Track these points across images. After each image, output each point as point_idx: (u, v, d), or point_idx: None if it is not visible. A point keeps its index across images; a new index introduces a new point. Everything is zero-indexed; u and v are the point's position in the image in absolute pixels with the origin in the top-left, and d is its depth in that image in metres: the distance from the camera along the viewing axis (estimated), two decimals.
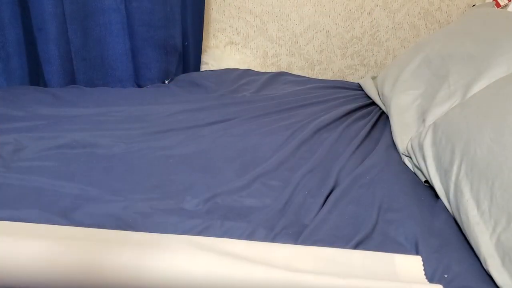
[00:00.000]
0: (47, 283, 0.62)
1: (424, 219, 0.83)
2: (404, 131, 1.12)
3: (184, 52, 1.60)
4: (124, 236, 0.71)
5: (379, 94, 1.38)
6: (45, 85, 1.42)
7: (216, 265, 0.63)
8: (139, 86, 1.53)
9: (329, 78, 1.82)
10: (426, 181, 0.95)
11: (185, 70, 1.64)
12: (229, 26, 1.73)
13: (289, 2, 1.70)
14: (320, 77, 1.83)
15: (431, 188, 0.93)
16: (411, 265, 0.70)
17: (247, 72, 1.57)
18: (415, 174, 0.99)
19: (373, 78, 1.52)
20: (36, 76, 1.45)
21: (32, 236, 0.66)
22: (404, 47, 1.81)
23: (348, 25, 1.75)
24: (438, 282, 0.68)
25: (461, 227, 0.79)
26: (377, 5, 1.72)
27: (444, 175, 0.87)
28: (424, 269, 0.70)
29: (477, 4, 1.70)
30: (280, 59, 1.79)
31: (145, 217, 0.80)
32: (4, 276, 0.61)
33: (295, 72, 1.80)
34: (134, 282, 0.62)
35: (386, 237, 0.78)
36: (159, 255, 0.64)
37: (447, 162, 0.87)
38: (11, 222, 0.73)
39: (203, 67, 1.72)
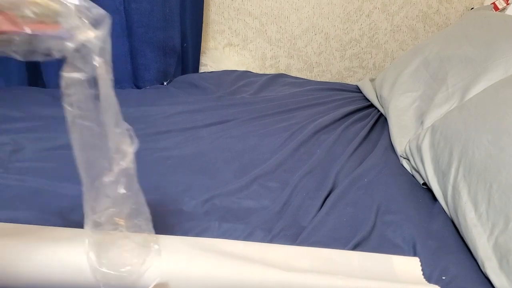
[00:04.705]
0: (45, 285, 0.62)
1: (422, 221, 0.83)
2: (402, 133, 1.12)
3: (183, 53, 1.60)
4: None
5: (377, 96, 1.38)
6: (43, 86, 1.42)
7: (215, 266, 0.63)
8: (138, 87, 1.53)
9: (328, 80, 1.82)
10: (424, 183, 0.95)
11: (184, 71, 1.64)
12: (228, 28, 1.73)
13: (288, 4, 1.70)
14: (319, 79, 1.83)
15: (429, 190, 0.93)
16: (409, 267, 0.71)
17: (246, 74, 1.57)
18: (413, 176, 0.99)
19: (372, 80, 1.53)
20: (34, 77, 1.45)
21: (31, 237, 0.66)
22: (403, 50, 1.81)
23: (347, 28, 1.75)
24: (436, 284, 0.68)
25: (459, 229, 0.79)
26: (375, 8, 1.73)
27: (442, 177, 0.87)
28: (422, 271, 0.70)
29: (475, 7, 1.71)
30: (279, 61, 1.79)
31: None
32: (2, 278, 0.61)
33: (293, 74, 1.80)
34: (131, 283, 0.62)
35: (384, 239, 0.78)
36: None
37: (445, 164, 0.87)
38: (9, 224, 0.73)
39: (202, 69, 1.72)
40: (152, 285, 0.59)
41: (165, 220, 0.80)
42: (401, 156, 1.06)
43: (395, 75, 1.33)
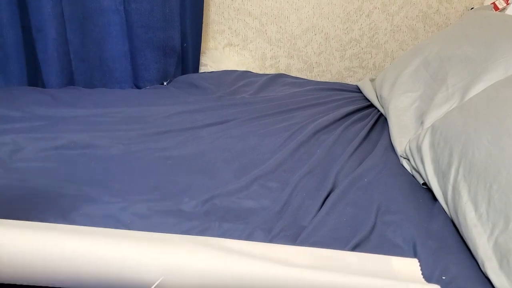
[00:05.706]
0: (49, 279, 0.62)
1: (422, 221, 0.83)
2: (402, 133, 1.12)
3: (183, 53, 1.60)
4: (122, 234, 0.70)
5: (377, 96, 1.38)
6: (43, 86, 1.42)
7: (217, 260, 0.63)
8: (138, 87, 1.53)
9: (328, 80, 1.82)
10: (424, 183, 0.95)
11: (184, 71, 1.64)
12: (228, 28, 1.73)
13: (288, 4, 1.70)
14: (319, 79, 1.83)
15: (429, 190, 0.93)
16: (408, 268, 0.70)
17: (246, 74, 1.57)
18: (413, 176, 0.99)
19: (372, 80, 1.53)
20: (34, 77, 1.45)
21: (33, 230, 0.65)
22: (403, 50, 1.81)
23: (347, 28, 1.75)
24: (436, 284, 0.68)
25: (459, 229, 0.79)
26: (375, 8, 1.73)
27: (442, 177, 0.87)
28: (421, 271, 0.70)
29: (475, 7, 1.71)
30: (279, 61, 1.79)
31: (143, 219, 0.79)
32: (4, 273, 0.61)
33: (293, 74, 1.80)
34: (134, 276, 0.61)
35: (384, 239, 0.78)
36: (160, 249, 0.63)
37: (445, 164, 0.87)
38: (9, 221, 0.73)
39: (202, 69, 1.72)
40: (154, 285, 0.59)
41: (165, 220, 0.80)
42: (401, 156, 1.06)
43: (395, 75, 1.33)
